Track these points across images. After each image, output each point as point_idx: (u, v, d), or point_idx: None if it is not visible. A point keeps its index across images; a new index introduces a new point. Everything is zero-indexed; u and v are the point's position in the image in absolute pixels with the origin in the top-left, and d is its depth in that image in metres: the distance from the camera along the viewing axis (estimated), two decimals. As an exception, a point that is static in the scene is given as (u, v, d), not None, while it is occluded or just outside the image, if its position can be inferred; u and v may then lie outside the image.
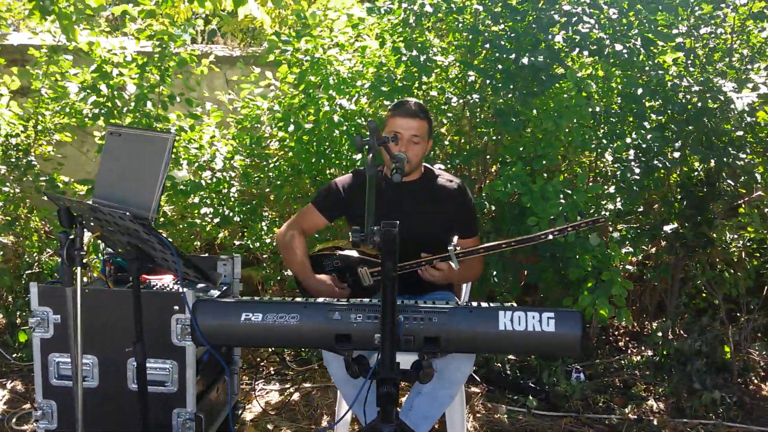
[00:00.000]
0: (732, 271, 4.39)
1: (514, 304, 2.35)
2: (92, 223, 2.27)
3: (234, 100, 4.76)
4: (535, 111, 3.63)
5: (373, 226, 1.91)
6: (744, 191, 3.89)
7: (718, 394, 3.57)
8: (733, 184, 3.71)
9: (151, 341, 2.35)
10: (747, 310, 4.18)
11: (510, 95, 3.62)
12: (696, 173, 3.93)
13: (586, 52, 3.46)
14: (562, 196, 3.35)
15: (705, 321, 4.15)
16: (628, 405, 3.64)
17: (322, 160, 4.08)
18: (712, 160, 3.48)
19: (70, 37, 3.90)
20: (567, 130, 3.45)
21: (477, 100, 3.79)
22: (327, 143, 3.99)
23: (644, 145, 3.42)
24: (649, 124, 3.53)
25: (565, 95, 3.51)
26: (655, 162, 3.47)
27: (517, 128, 3.55)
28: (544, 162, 3.57)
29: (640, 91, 3.37)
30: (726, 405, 3.64)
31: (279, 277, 4.56)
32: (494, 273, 3.71)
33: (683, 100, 3.49)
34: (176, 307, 2.57)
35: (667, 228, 4.04)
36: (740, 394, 3.80)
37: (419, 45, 3.70)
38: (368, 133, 2.14)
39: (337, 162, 4.10)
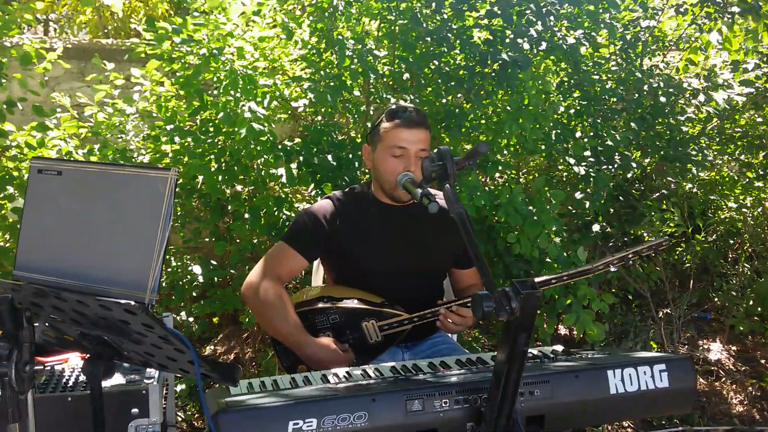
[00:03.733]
0: (645, 265, 4.47)
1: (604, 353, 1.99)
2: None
3: (86, 105, 3.83)
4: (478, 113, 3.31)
5: (493, 287, 1.40)
6: (673, 187, 3.93)
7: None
8: (672, 180, 3.71)
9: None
10: (673, 305, 4.26)
11: (459, 95, 3.23)
12: (632, 171, 3.89)
13: (544, 44, 3.19)
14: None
15: (637, 320, 4.17)
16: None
17: (227, 177, 3.37)
18: (670, 156, 3.41)
19: None
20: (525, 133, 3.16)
21: (414, 100, 3.36)
22: (238, 157, 3.29)
23: (609, 143, 3.24)
24: (602, 122, 3.38)
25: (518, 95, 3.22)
26: (617, 161, 3.32)
27: (470, 132, 3.20)
28: (500, 168, 3.25)
29: (608, 85, 3.19)
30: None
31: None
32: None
33: (646, 96, 3.38)
34: (135, 410, 1.83)
35: (596, 227, 3.96)
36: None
37: (356, 36, 3.18)
38: (435, 157, 1.63)
39: (247, 178, 3.42)
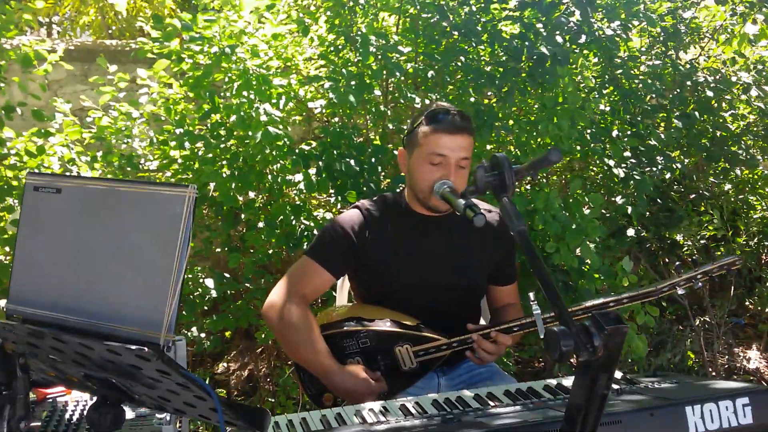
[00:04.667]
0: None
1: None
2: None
3: (90, 108, 3.63)
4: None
5: (566, 316, 1.19)
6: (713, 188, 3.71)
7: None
8: (714, 180, 3.49)
9: None
10: (712, 311, 4.04)
11: (489, 93, 3.03)
12: (670, 173, 3.66)
13: (583, 37, 2.97)
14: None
15: (675, 330, 3.96)
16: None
17: (241, 184, 3.17)
18: (717, 156, 3.19)
19: None
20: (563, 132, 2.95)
21: (440, 99, 3.15)
22: (252, 162, 3.09)
23: (651, 142, 3.02)
24: (641, 120, 3.16)
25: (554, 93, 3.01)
26: (659, 161, 3.09)
27: (501, 133, 2.99)
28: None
29: (647, 80, 2.97)
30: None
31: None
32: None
33: (692, 93, 3.17)
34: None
35: (631, 232, 3.74)
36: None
37: (375, 32, 2.97)
38: (491, 166, 1.42)
39: (262, 185, 3.23)
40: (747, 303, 4.89)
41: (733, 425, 1.54)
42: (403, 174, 2.26)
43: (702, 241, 4.08)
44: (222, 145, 3.16)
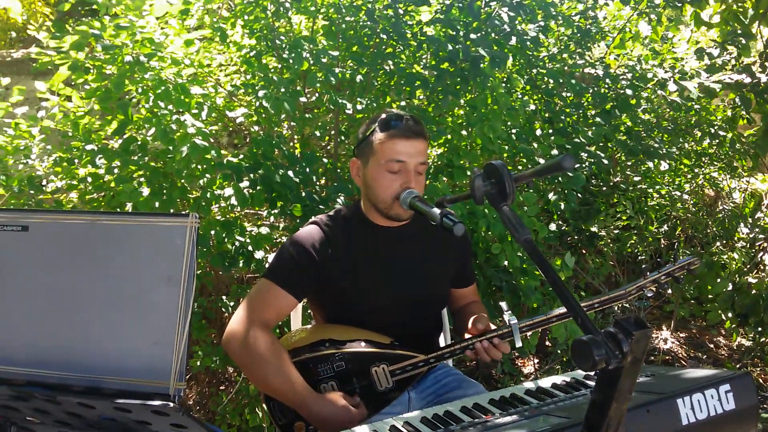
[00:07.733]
0: (598, 260, 4.46)
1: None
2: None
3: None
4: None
5: (590, 327, 1.19)
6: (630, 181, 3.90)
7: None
8: (629, 173, 3.67)
9: None
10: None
11: (422, 97, 3.02)
12: (586, 167, 3.82)
13: (513, 39, 3.02)
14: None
15: (599, 318, 4.13)
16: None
17: (163, 203, 2.98)
18: (636, 150, 3.35)
19: None
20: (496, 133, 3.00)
21: (370, 104, 3.10)
22: (178, 178, 2.92)
23: (577, 140, 3.12)
24: (565, 118, 3.27)
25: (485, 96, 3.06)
26: (584, 158, 3.21)
27: (438, 137, 2.99)
28: (468, 174, 3.07)
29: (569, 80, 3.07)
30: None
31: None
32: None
33: (610, 90, 3.30)
34: None
35: (552, 226, 3.87)
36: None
37: (293, 39, 2.88)
38: (487, 174, 1.39)
39: (188, 202, 3.06)
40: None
41: (719, 412, 1.61)
42: (351, 186, 2.20)
43: (615, 231, 4.28)
44: (141, 162, 2.96)
